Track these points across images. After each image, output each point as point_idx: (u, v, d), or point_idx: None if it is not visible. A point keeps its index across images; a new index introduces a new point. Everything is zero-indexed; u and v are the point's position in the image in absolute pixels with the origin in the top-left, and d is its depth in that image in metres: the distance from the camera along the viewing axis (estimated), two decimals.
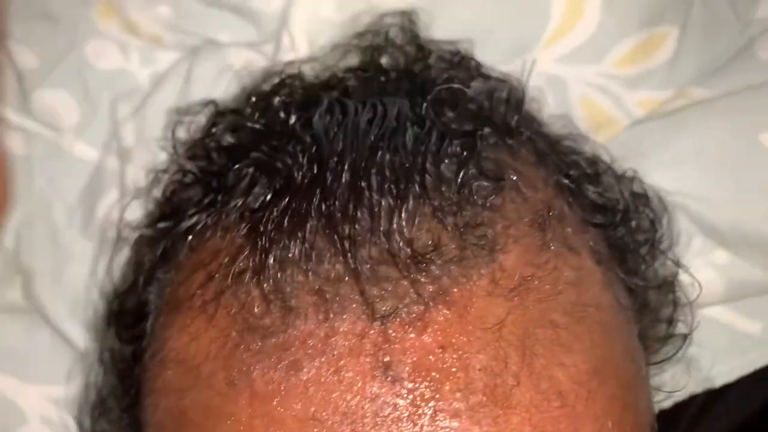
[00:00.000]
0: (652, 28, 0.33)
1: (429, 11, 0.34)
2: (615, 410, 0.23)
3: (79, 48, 0.35)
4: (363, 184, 0.23)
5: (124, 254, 0.34)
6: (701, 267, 0.34)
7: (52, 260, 0.36)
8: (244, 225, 0.25)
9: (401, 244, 0.23)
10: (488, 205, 0.24)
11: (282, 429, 0.21)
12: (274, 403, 0.22)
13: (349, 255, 0.22)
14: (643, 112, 0.35)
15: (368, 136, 0.25)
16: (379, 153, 0.25)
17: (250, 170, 0.27)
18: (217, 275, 0.25)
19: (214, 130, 0.32)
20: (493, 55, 0.33)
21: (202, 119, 0.33)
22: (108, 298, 0.34)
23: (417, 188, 0.24)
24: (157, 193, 0.33)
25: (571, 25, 0.33)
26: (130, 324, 0.29)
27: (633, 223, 0.30)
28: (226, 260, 0.25)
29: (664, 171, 0.33)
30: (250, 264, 0.24)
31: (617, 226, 0.28)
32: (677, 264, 0.31)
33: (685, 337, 0.31)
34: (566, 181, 0.28)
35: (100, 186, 0.36)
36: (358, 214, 0.23)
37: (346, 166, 0.24)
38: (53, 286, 0.36)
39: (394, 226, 0.23)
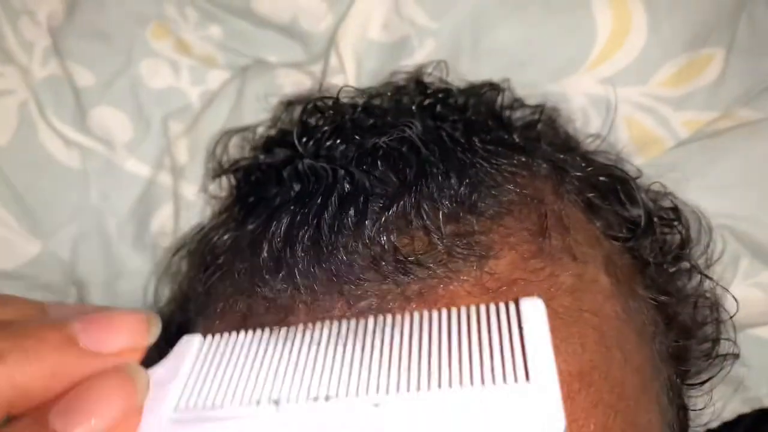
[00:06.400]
0: (698, 50, 0.33)
1: (475, 31, 0.34)
2: (599, 416, 0.23)
3: (134, 67, 0.37)
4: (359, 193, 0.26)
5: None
6: (748, 287, 0.34)
7: (105, 272, 0.37)
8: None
9: (386, 248, 0.24)
10: (489, 214, 0.25)
11: None
12: None
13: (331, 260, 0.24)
14: (689, 132, 0.35)
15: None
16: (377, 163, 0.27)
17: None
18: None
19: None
20: (539, 76, 0.34)
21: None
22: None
23: (412, 197, 0.25)
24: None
25: (617, 47, 0.33)
26: None
27: (660, 238, 0.30)
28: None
29: (710, 192, 0.34)
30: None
31: (640, 240, 0.28)
32: (710, 279, 0.31)
33: (733, 356, 0.31)
34: (589, 195, 0.28)
35: (154, 201, 0.37)
36: (347, 221, 0.25)
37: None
38: (106, 297, 0.37)
39: (383, 235, 0.25)
